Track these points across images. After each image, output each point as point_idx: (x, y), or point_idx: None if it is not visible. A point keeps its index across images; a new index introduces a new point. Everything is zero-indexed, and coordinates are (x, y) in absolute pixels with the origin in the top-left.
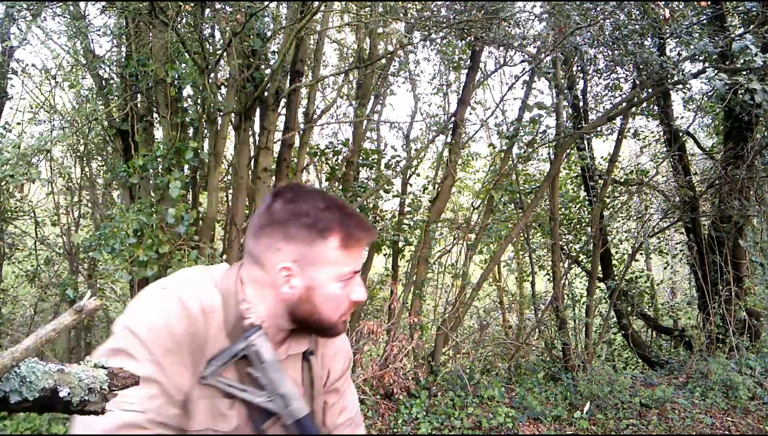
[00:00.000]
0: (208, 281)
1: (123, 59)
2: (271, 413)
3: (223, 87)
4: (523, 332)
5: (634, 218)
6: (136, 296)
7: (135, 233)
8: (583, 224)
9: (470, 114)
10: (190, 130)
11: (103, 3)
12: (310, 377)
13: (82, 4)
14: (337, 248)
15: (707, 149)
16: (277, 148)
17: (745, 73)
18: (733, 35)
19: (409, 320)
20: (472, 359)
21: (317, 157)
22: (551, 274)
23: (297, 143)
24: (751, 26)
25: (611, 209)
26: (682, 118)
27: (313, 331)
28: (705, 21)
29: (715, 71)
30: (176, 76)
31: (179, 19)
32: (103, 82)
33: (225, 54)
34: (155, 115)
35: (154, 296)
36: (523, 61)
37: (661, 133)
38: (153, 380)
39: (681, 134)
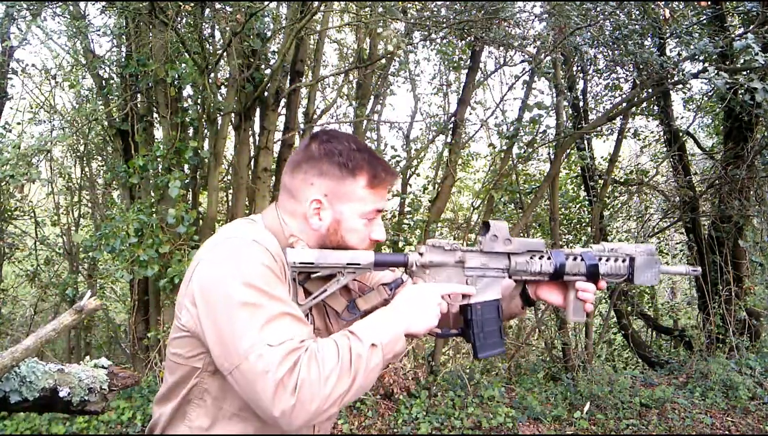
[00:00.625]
0: (259, 226)
1: (123, 59)
2: (354, 301)
3: (223, 87)
4: (523, 332)
5: (634, 218)
6: (209, 254)
7: (136, 233)
8: (583, 224)
9: (470, 114)
10: (190, 130)
11: (103, 3)
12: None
13: (82, 4)
14: (365, 186)
15: (707, 149)
16: (277, 148)
17: (745, 72)
18: (733, 35)
19: None
20: (472, 359)
21: None
22: None
23: (297, 143)
24: (752, 26)
25: (611, 209)
26: (682, 118)
27: None
28: (705, 21)
29: (716, 70)
30: (176, 76)
31: (179, 19)
32: (103, 82)
33: (225, 54)
34: (155, 115)
35: (239, 247)
36: (523, 61)
37: (661, 133)
38: (281, 314)
39: (681, 134)
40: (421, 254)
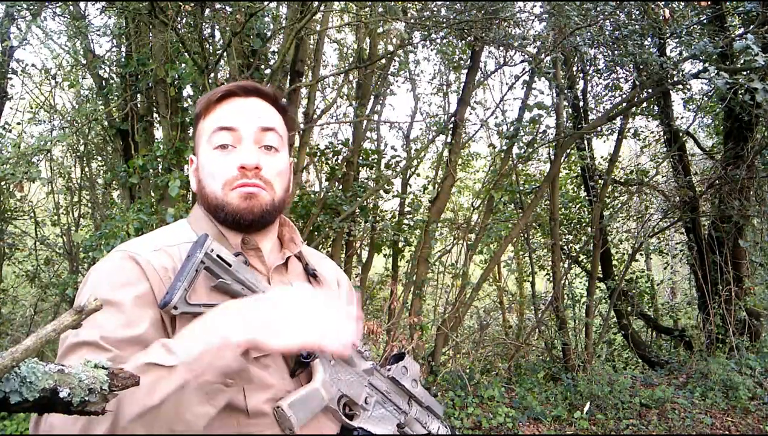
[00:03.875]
0: (176, 224)
1: (123, 59)
2: None
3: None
4: (523, 332)
5: (634, 217)
6: None
7: (136, 233)
8: (583, 224)
9: (470, 114)
10: (190, 130)
11: (103, 3)
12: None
13: (82, 4)
14: (205, 116)
15: (707, 149)
16: None
17: (745, 73)
18: (733, 35)
19: (409, 320)
20: (472, 359)
21: (317, 157)
22: (551, 274)
23: (297, 143)
24: (752, 26)
25: (611, 209)
26: (682, 118)
27: (224, 222)
28: (705, 21)
29: (716, 71)
30: (176, 76)
31: (179, 19)
32: (103, 82)
33: (225, 54)
34: (155, 115)
35: (94, 267)
36: (523, 61)
37: (661, 133)
38: (80, 344)
39: (681, 134)
40: None
